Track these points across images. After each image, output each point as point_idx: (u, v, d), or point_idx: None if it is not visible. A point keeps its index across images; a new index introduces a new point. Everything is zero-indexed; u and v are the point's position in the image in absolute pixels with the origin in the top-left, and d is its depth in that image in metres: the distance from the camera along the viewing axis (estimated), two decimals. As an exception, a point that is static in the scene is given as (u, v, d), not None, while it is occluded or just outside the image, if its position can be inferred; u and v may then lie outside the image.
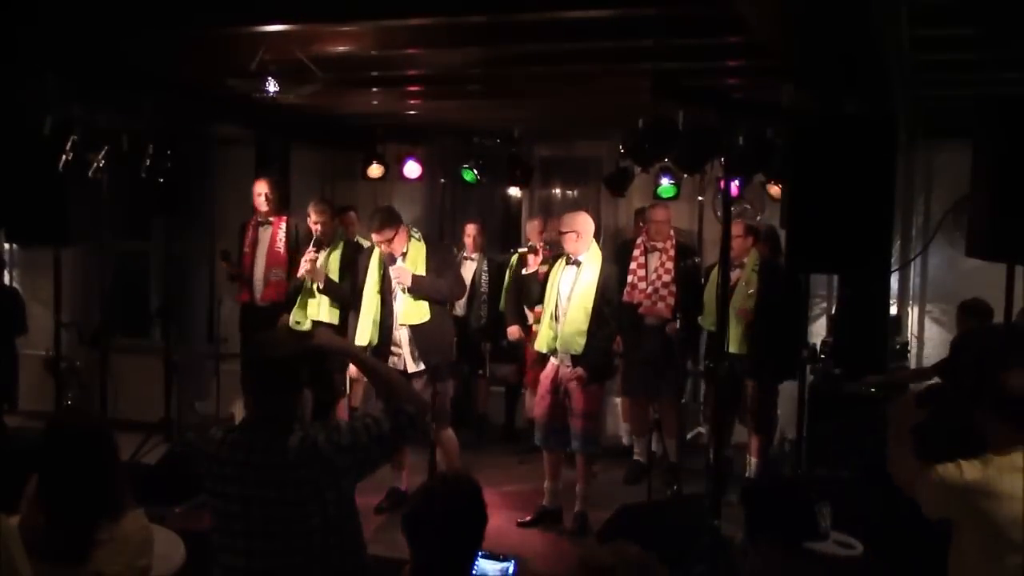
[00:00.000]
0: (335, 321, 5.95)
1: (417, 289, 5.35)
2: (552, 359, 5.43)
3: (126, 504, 2.66)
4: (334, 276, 6.04)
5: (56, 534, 2.52)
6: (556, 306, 5.37)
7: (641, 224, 6.91)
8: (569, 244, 5.33)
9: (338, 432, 2.65)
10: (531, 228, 7.04)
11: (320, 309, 6.01)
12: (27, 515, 2.58)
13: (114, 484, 2.65)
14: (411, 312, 5.40)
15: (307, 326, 5.98)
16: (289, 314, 6.16)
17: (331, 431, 2.65)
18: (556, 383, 5.38)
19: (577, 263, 5.33)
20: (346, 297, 5.90)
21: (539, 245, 6.56)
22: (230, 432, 2.73)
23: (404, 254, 5.39)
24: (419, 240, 5.50)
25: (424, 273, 5.40)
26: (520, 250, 6.98)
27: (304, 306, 6.06)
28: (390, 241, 5.31)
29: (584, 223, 5.35)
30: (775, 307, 5.81)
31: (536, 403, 5.59)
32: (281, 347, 2.75)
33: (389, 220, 5.35)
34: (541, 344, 5.47)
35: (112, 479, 2.65)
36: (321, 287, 5.94)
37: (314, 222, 6.04)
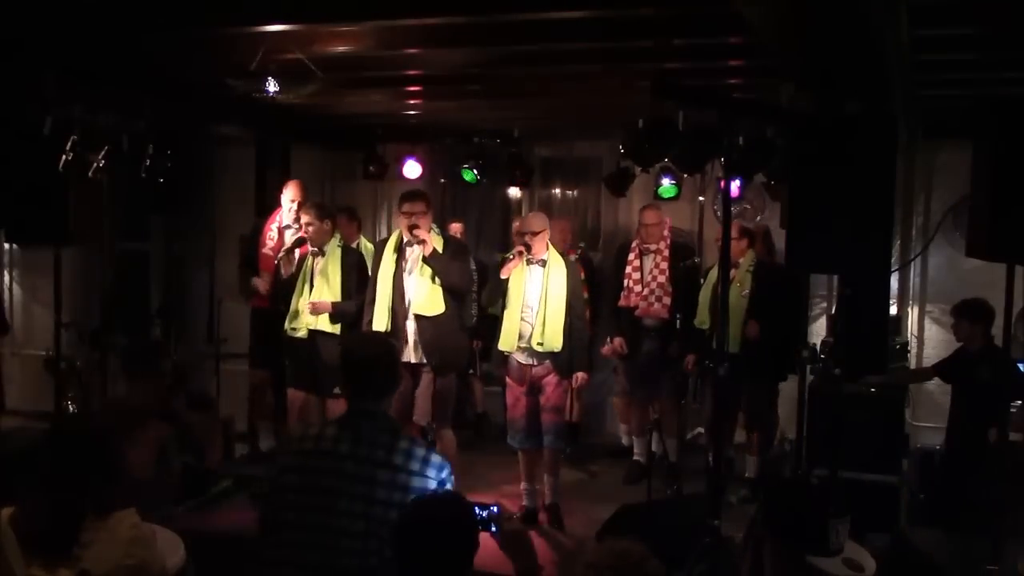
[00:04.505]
0: (335, 330, 5.62)
1: (436, 261, 5.31)
2: (519, 358, 5.36)
3: (115, 504, 2.65)
4: (336, 282, 5.65)
5: (43, 531, 2.52)
6: (523, 306, 5.32)
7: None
8: (540, 244, 5.33)
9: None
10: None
11: (320, 319, 5.63)
12: (15, 511, 2.58)
13: (104, 484, 2.64)
14: (426, 302, 5.33)
15: (303, 334, 5.64)
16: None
17: (429, 473, 2.72)
18: (530, 383, 5.36)
19: (542, 262, 5.33)
20: (354, 315, 5.62)
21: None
22: (326, 426, 2.92)
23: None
24: (438, 234, 5.50)
25: None
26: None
27: (298, 313, 5.66)
28: (420, 215, 5.34)
29: (548, 223, 5.48)
30: (770, 307, 5.82)
31: (511, 405, 5.47)
32: (376, 346, 2.95)
33: (422, 195, 5.48)
34: (505, 344, 5.36)
35: (104, 480, 2.64)
36: (332, 314, 5.60)
37: (306, 223, 5.67)
